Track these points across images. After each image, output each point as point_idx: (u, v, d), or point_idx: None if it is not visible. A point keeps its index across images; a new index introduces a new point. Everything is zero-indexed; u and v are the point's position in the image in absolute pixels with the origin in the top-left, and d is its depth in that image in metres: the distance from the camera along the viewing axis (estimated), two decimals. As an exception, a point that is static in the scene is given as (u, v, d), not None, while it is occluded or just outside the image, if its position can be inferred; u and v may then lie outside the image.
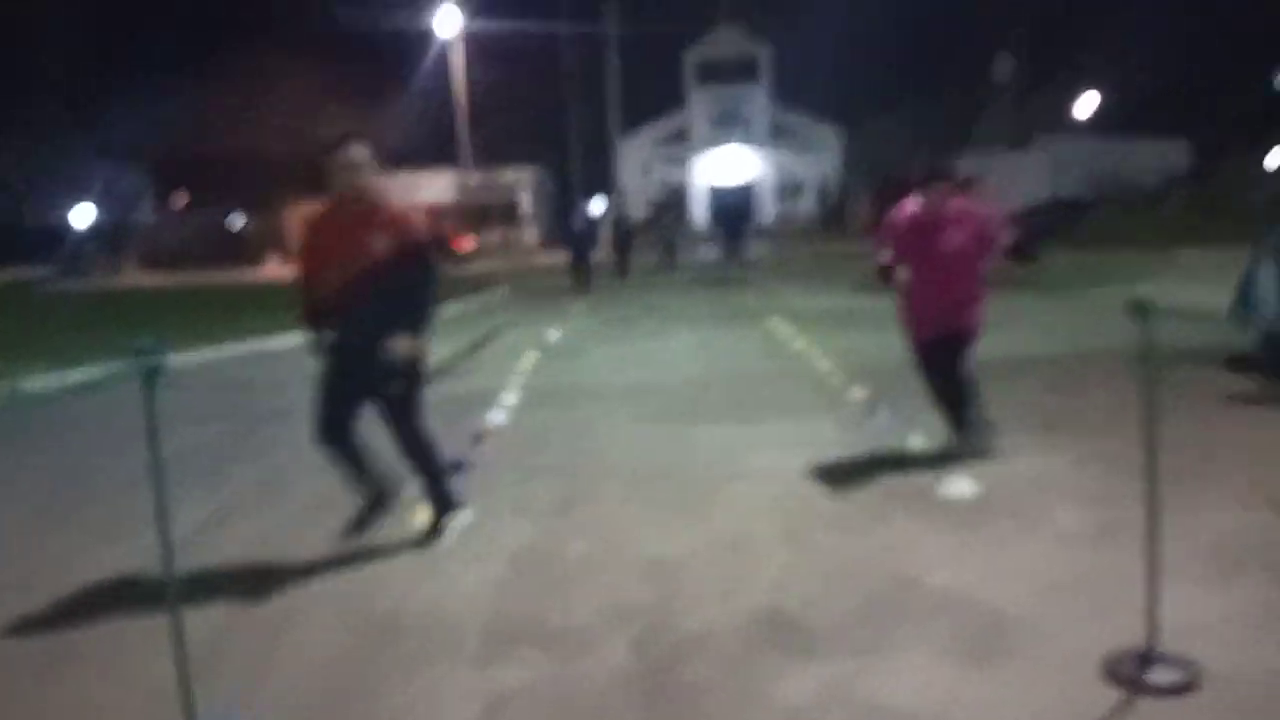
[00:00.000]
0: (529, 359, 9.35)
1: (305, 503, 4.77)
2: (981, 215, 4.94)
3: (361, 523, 3.98)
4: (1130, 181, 35.22)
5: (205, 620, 3.26)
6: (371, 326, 3.68)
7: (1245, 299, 6.43)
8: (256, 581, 3.70)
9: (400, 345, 3.69)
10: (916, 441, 5.35)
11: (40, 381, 8.84)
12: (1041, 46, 39.43)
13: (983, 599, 3.29)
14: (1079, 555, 3.63)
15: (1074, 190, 39.70)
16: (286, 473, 5.38)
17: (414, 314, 3.75)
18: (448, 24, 35.15)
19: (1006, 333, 9.88)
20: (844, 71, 42.85)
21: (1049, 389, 6.74)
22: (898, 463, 5.02)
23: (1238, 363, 6.92)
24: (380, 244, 3.71)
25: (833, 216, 38.56)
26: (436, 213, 24.04)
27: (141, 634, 3.21)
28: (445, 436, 5.89)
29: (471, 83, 36.88)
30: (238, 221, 39.97)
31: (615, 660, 2.99)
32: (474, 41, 37.53)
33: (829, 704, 2.67)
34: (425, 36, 37.29)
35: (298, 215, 40.16)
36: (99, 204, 43.85)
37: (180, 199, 49.29)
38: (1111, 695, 2.64)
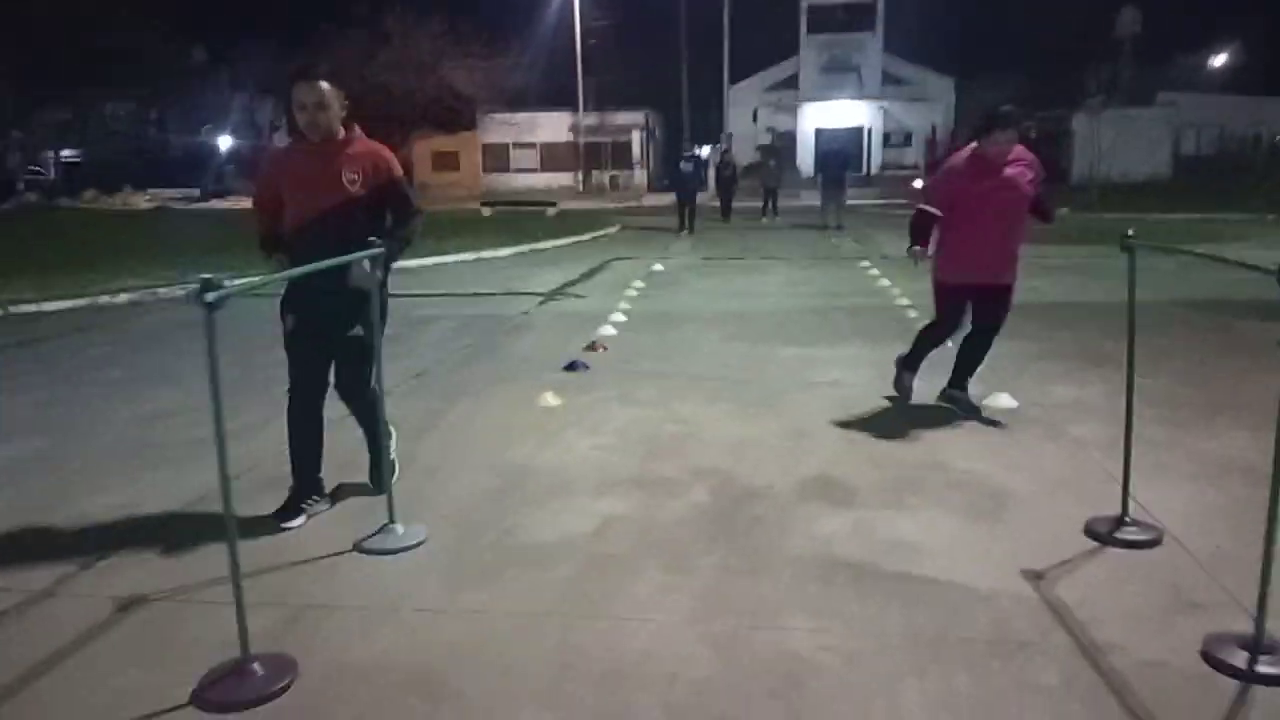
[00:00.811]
0: (635, 286, 10.30)
1: (452, 386, 5.85)
2: (1034, 165, 4.90)
3: (284, 512, 3.66)
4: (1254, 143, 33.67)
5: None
6: (338, 269, 3.29)
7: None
8: (422, 435, 4.75)
9: (357, 272, 3.38)
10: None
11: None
12: (1166, 2, 37.61)
13: (995, 480, 4.08)
14: (1086, 456, 4.36)
15: (1202, 149, 38.17)
16: (432, 367, 6.47)
17: (388, 248, 3.45)
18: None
19: (1069, 279, 10.34)
20: (960, 22, 41.89)
21: (1104, 333, 7.31)
22: (951, 383, 5.76)
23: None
24: (354, 181, 3.52)
25: (939, 166, 38.01)
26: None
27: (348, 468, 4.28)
28: (564, 344, 6.97)
29: (588, 29, 37.58)
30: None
31: (695, 499, 3.92)
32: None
33: (852, 535, 3.53)
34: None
35: (423, 149, 41.91)
36: (235, 133, 46.57)
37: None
38: (1088, 545, 3.42)
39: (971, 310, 5.07)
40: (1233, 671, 2.55)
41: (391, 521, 3.57)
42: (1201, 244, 13.29)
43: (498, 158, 42.01)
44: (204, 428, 4.84)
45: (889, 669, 2.62)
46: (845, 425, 4.94)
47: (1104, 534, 3.45)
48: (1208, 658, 2.62)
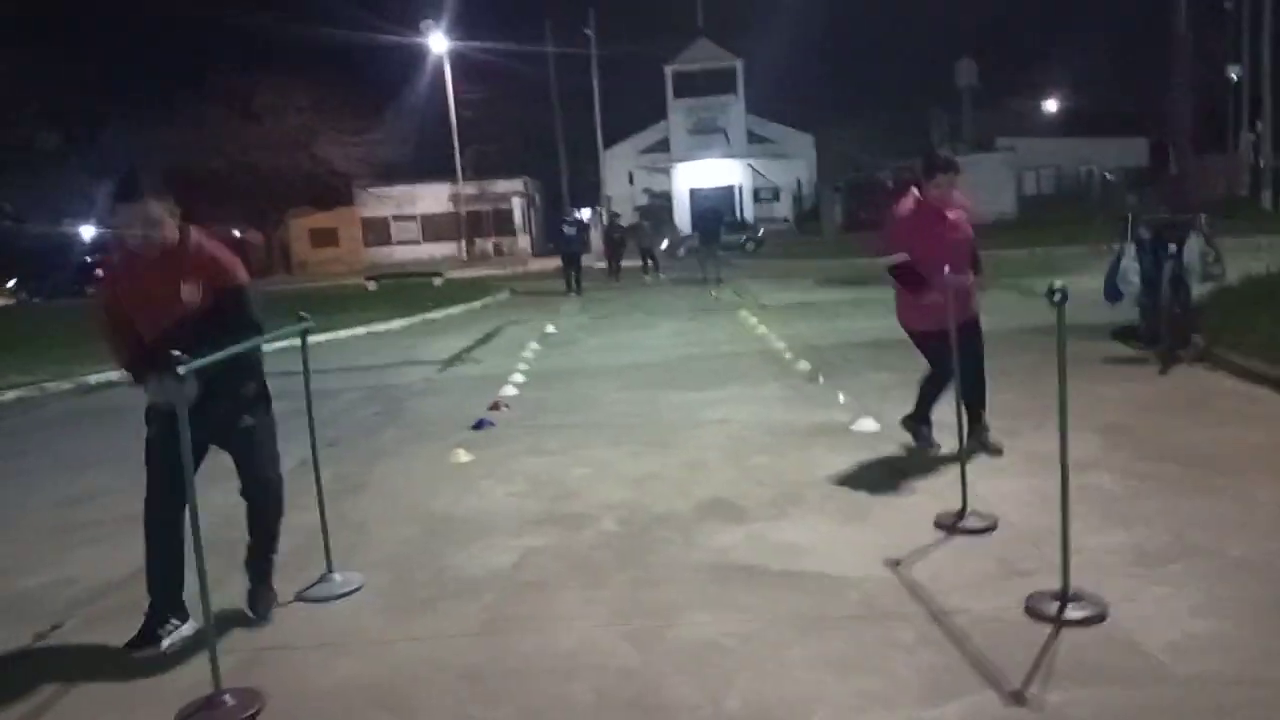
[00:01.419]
0: (530, 348, 10.77)
1: (368, 451, 6.16)
2: (968, 207, 5.10)
3: (138, 640, 3.31)
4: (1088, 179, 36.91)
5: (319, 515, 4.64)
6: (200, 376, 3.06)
7: (1112, 281, 7.86)
8: (345, 495, 5.08)
9: (153, 388, 3.34)
10: (841, 398, 6.76)
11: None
12: (1002, 53, 41.12)
13: (861, 492, 4.70)
14: (935, 468, 5.01)
15: (1042, 188, 41.40)
16: (345, 435, 6.76)
17: (242, 370, 3.43)
18: (437, 43, 36.56)
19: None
20: (814, 81, 44.64)
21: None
22: (825, 412, 6.44)
23: (1123, 332, 8.37)
24: (193, 292, 3.33)
25: (807, 218, 40.12)
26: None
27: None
28: (469, 405, 7.37)
29: (462, 100, 38.31)
30: (244, 234, 41.20)
31: (605, 528, 4.40)
32: (463, 61, 38.99)
33: (747, 544, 4.08)
34: (416, 57, 38.72)
35: (300, 227, 41.49)
36: (97, 223, 45.04)
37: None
38: (938, 534, 4.05)
39: None
40: (1047, 618, 3.17)
41: (330, 571, 3.92)
42: (1040, 275, 14.67)
43: (378, 231, 42.04)
44: (121, 506, 5.10)
45: (778, 640, 3.14)
46: (734, 455, 5.52)
47: (949, 525, 4.10)
48: (1029, 610, 3.24)
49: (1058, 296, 3.20)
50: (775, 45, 42.01)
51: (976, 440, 5.06)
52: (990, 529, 4.05)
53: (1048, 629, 3.11)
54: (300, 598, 3.79)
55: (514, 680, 3.01)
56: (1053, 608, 3.20)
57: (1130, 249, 7.71)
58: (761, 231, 32.89)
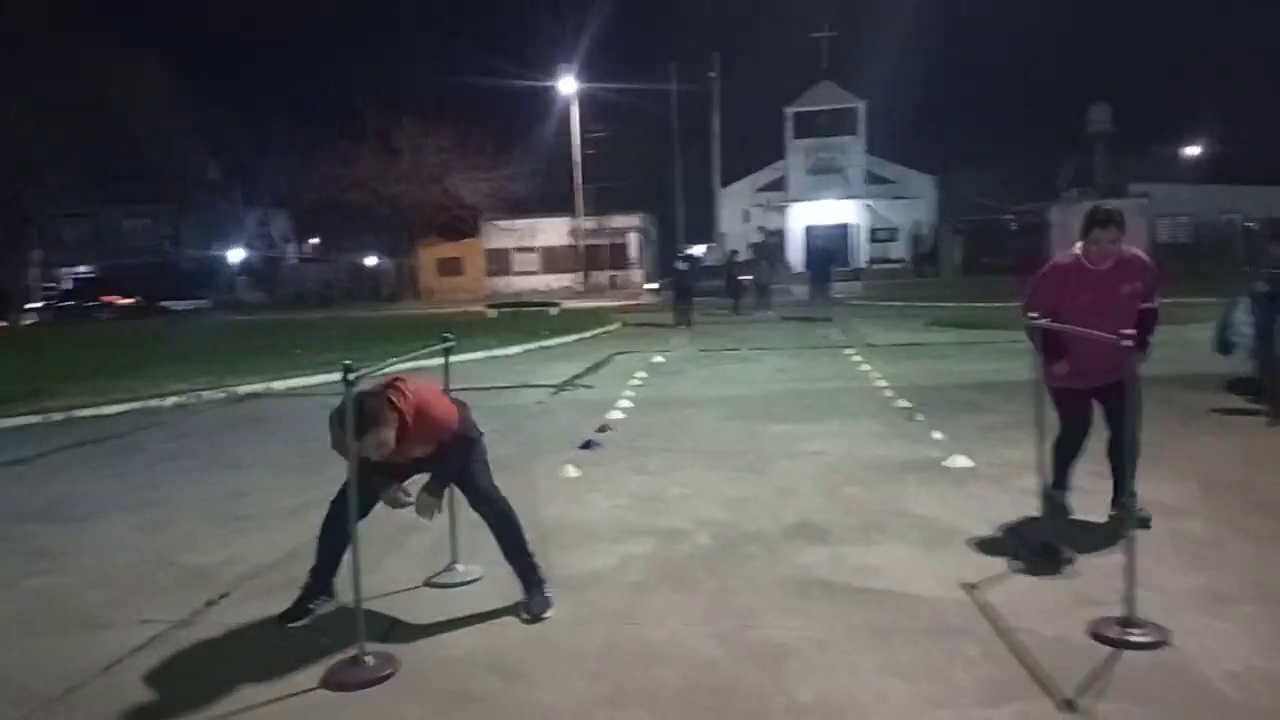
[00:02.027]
0: (638, 376, 11.25)
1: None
2: (1145, 271, 4.56)
3: (291, 614, 3.90)
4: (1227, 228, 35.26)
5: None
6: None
7: (1224, 334, 7.79)
8: (463, 504, 5.59)
9: (420, 504, 3.85)
10: (938, 435, 6.95)
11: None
12: (1141, 96, 39.90)
13: (947, 522, 4.93)
14: (1025, 502, 5.19)
15: (1177, 236, 39.72)
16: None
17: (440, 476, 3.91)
18: (567, 85, 38.06)
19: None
20: (939, 123, 44.25)
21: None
22: (919, 448, 6.65)
23: (1238, 384, 8.26)
24: (422, 450, 3.85)
25: (924, 260, 39.65)
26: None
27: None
28: (578, 427, 7.86)
29: (587, 138, 39.67)
30: (373, 261, 43.61)
31: (699, 541, 4.77)
32: (590, 100, 40.44)
33: (827, 563, 4.38)
34: (545, 96, 40.39)
35: (428, 255, 43.54)
36: (248, 245, 48.43)
37: (315, 241, 53.88)
38: (1016, 564, 4.25)
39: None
40: (1109, 641, 3.38)
41: (455, 562, 4.42)
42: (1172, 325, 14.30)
43: (500, 262, 43.69)
44: (277, 501, 5.75)
45: (851, 649, 3.45)
46: (825, 484, 5.81)
47: (1025, 555, 4.30)
48: (1093, 634, 3.45)
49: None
50: (900, 86, 42.05)
51: (1120, 508, 4.53)
52: (1068, 561, 4.24)
53: (1109, 651, 3.31)
54: (429, 583, 4.30)
55: (611, 662, 3.41)
56: (1116, 632, 3.41)
57: (1245, 301, 7.64)
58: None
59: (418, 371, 7.76)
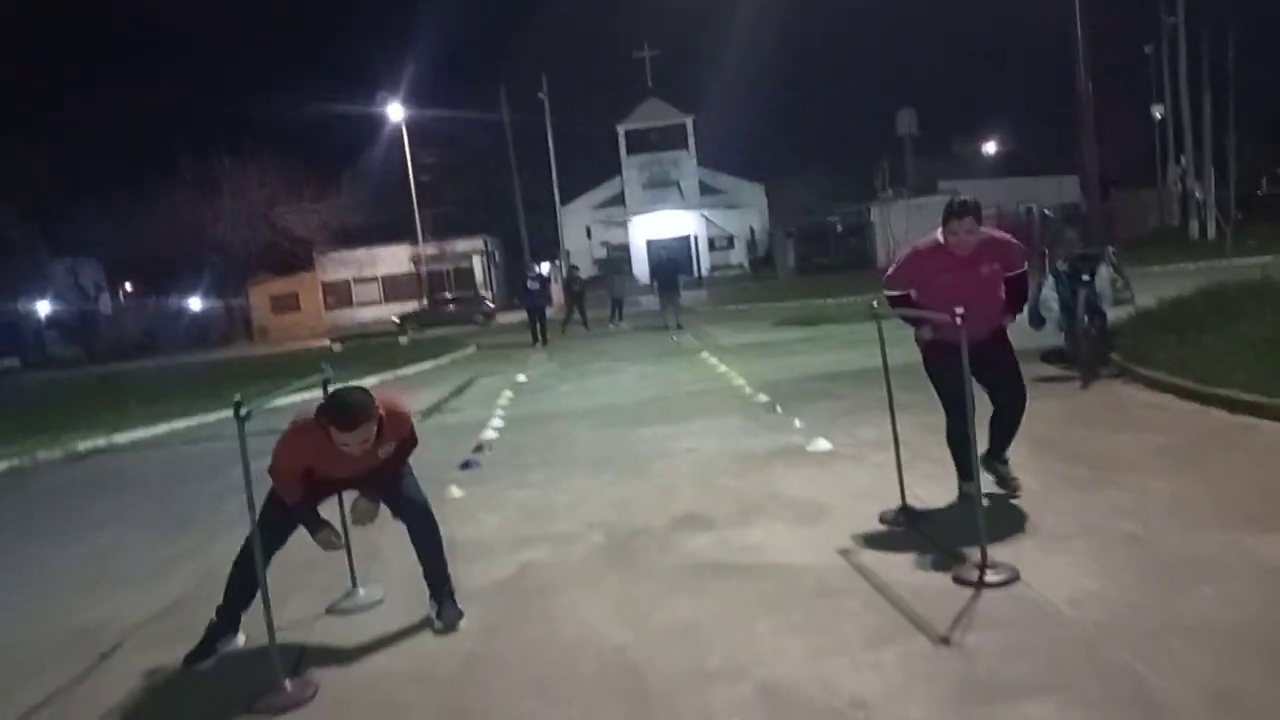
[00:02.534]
0: (505, 396, 11.35)
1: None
2: (1006, 252, 4.69)
3: (196, 654, 3.85)
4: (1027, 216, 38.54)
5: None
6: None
7: (1034, 309, 8.69)
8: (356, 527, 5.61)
9: (359, 511, 4.01)
10: (799, 423, 7.44)
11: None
12: (941, 101, 43.10)
13: (816, 500, 5.35)
14: (881, 474, 5.66)
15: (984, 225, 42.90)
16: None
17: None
18: (395, 112, 37.51)
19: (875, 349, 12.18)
20: (762, 134, 46.42)
21: (901, 388, 8.91)
22: (783, 437, 7.11)
23: (1051, 354, 9.18)
24: (388, 450, 3.92)
25: (761, 264, 41.40)
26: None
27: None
28: (453, 450, 7.91)
29: (420, 164, 39.15)
30: (199, 305, 41.45)
31: (593, 542, 4.99)
32: (420, 126, 39.95)
33: (714, 547, 4.69)
34: (372, 124, 39.63)
35: (261, 293, 41.75)
36: (56, 297, 45.02)
37: (130, 288, 50.72)
38: (881, 528, 4.69)
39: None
40: (969, 583, 3.82)
41: (355, 588, 4.46)
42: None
43: (339, 294, 42.48)
44: (144, 556, 5.59)
45: (747, 617, 3.76)
46: (702, 478, 6.14)
47: (891, 519, 4.76)
48: (955, 579, 3.89)
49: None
50: (724, 101, 43.88)
51: (992, 472, 4.90)
52: (925, 520, 4.71)
53: (970, 592, 3.76)
54: (332, 610, 4.33)
55: (526, 660, 3.59)
56: (974, 574, 3.86)
57: (1049, 280, 8.55)
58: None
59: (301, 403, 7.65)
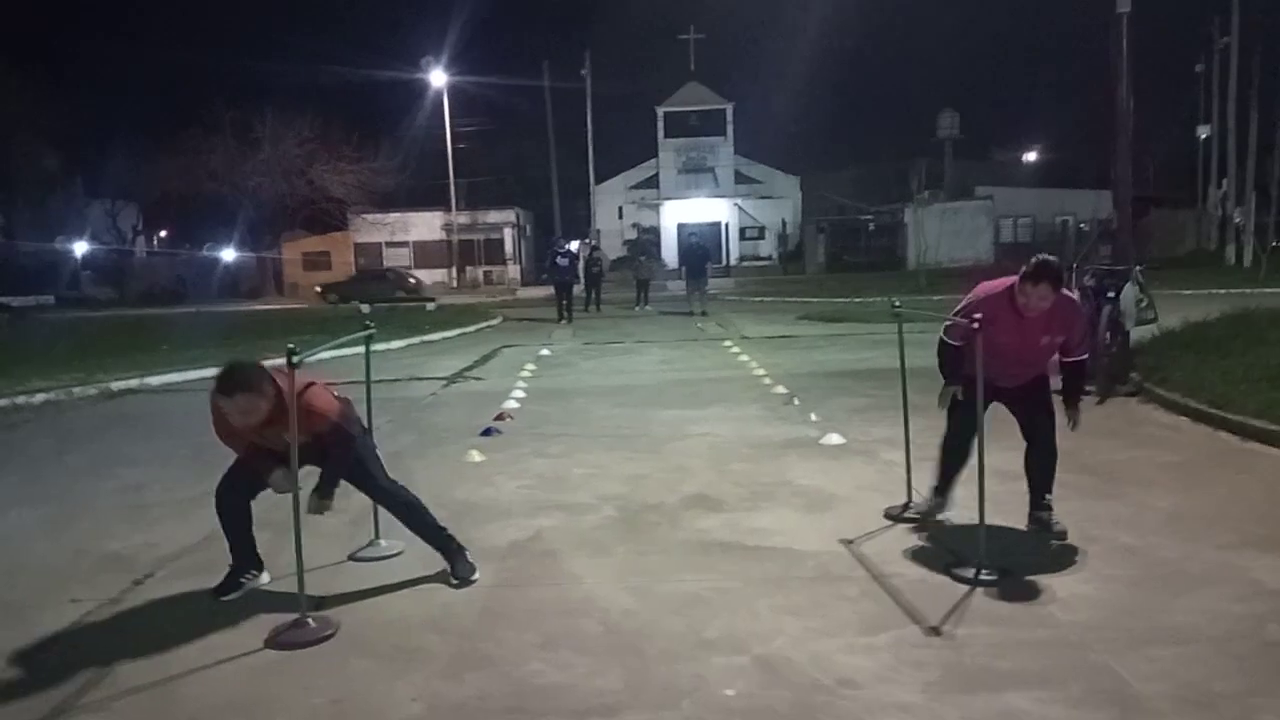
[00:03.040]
0: (527, 368, 11.55)
1: (388, 453, 6.91)
2: (1075, 318, 4.47)
3: (223, 588, 4.04)
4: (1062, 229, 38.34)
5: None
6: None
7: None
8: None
9: (311, 504, 3.90)
10: (814, 417, 7.58)
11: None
12: (985, 105, 42.76)
13: (825, 489, 5.50)
14: (890, 471, 5.83)
15: (1018, 236, 42.74)
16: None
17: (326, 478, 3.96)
18: (437, 78, 37.67)
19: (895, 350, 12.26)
20: (802, 127, 46.24)
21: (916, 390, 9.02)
22: (798, 429, 7.25)
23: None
24: (289, 437, 3.70)
25: (791, 257, 41.35)
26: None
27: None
28: (475, 417, 8.11)
29: (459, 132, 39.31)
30: (232, 256, 41.92)
31: (606, 514, 5.17)
32: (462, 94, 40.11)
33: (723, 527, 4.86)
34: (414, 89, 39.84)
35: (293, 249, 42.18)
36: (92, 238, 45.70)
37: (165, 234, 51.33)
38: (884, 523, 4.84)
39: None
40: (964, 580, 3.97)
41: (377, 537, 4.67)
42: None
43: (371, 256, 42.80)
44: (179, 492, 5.82)
45: (749, 595, 3.92)
46: (715, 462, 6.31)
47: (895, 514, 4.90)
48: (952, 574, 4.04)
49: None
50: (765, 91, 43.68)
51: (1036, 523, 4.55)
52: (926, 518, 4.86)
53: (965, 588, 3.90)
54: (353, 558, 4.53)
55: (536, 617, 3.77)
56: (970, 572, 4.00)
57: (1074, 294, 8.60)
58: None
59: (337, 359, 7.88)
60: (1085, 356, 4.60)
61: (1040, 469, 4.60)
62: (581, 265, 22.89)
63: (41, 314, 31.53)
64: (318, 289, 34.43)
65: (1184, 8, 34.42)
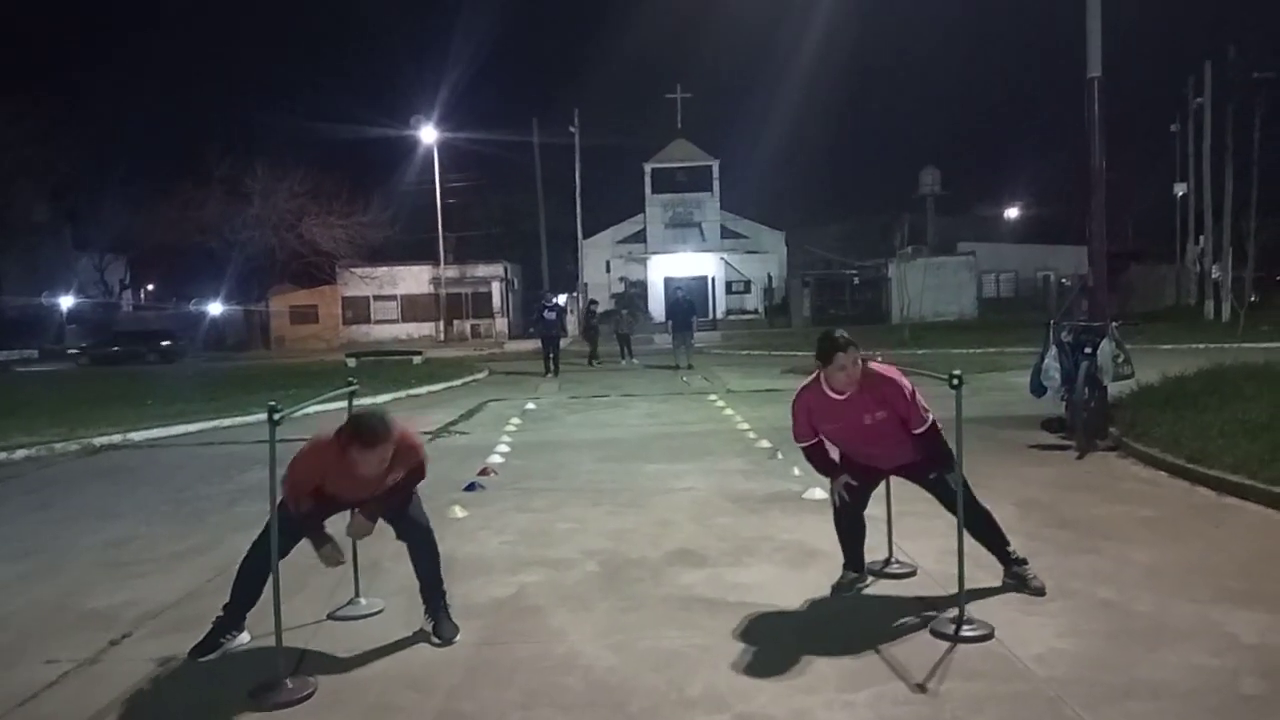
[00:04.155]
0: (513, 423, 11.57)
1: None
2: (894, 390, 4.30)
3: (201, 648, 4.03)
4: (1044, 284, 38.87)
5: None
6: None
7: (1036, 377, 8.88)
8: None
9: (353, 528, 4.17)
10: (797, 471, 7.60)
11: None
12: (967, 162, 43.68)
13: (807, 544, 5.52)
14: (870, 528, 5.81)
15: (1001, 291, 43.29)
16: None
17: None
18: (427, 134, 38.20)
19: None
20: (786, 183, 47.04)
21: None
22: (781, 483, 7.29)
23: (1050, 423, 9.36)
24: (395, 476, 4.05)
25: (777, 311, 41.69)
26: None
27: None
28: (459, 471, 8.10)
29: (448, 188, 39.73)
30: (219, 309, 41.93)
31: (588, 569, 5.17)
32: (452, 150, 40.64)
33: (706, 583, 4.87)
34: (404, 144, 40.35)
35: (281, 303, 42.22)
36: (80, 292, 45.63)
37: (151, 286, 51.35)
38: (868, 579, 4.85)
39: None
40: (946, 637, 3.99)
41: (357, 596, 4.66)
42: (986, 372, 15.76)
43: (358, 310, 42.90)
44: (161, 548, 5.79)
45: (731, 651, 3.93)
46: (699, 516, 6.33)
47: (877, 571, 4.92)
48: (933, 631, 4.06)
49: (956, 381, 4.08)
50: (751, 148, 44.51)
51: (1012, 579, 4.55)
52: (910, 575, 4.88)
53: (945, 644, 3.92)
54: (333, 616, 4.51)
55: (518, 674, 3.77)
56: (950, 628, 4.02)
57: (1053, 350, 8.75)
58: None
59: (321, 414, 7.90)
60: (926, 428, 4.34)
61: (980, 535, 4.53)
62: (572, 320, 22.99)
63: (24, 369, 31.33)
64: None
65: (1161, 69, 35.45)
